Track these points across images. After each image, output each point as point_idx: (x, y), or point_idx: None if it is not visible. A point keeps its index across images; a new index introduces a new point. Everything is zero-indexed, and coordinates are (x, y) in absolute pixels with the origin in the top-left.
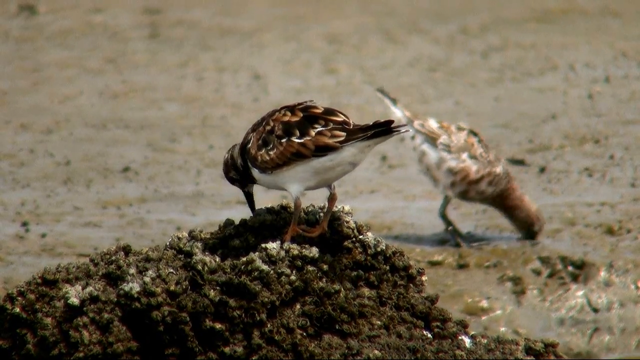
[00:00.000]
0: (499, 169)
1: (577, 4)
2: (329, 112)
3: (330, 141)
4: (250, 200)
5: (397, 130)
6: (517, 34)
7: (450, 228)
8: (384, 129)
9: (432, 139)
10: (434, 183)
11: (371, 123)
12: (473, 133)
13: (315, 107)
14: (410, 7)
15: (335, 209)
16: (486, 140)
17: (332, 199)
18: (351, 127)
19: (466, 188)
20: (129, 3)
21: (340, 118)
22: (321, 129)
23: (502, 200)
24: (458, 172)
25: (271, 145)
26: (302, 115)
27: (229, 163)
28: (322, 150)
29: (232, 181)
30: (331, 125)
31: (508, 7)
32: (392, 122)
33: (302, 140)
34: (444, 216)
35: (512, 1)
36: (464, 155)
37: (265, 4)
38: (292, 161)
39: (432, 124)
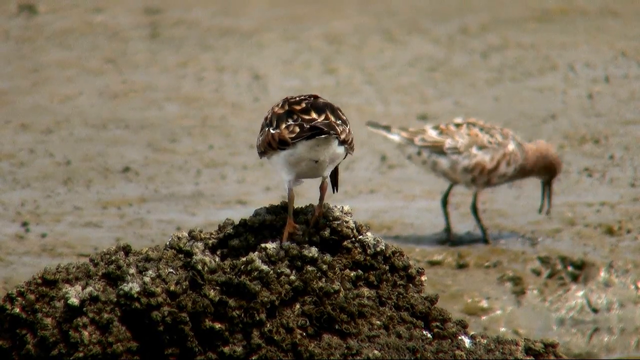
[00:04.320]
0: (510, 147)
1: (577, 4)
2: (306, 110)
3: (287, 136)
4: None
5: (331, 134)
6: (517, 33)
7: (483, 221)
8: (319, 131)
9: (438, 148)
10: (455, 182)
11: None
12: (472, 124)
13: (299, 104)
14: (410, 7)
15: (335, 208)
16: (485, 122)
17: (322, 187)
18: (308, 125)
19: (488, 177)
20: (129, 3)
21: (311, 117)
22: (290, 123)
23: (524, 170)
24: (474, 167)
25: (260, 132)
26: (287, 108)
27: None
28: (282, 144)
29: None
30: (299, 121)
31: (508, 7)
32: (329, 124)
33: (273, 132)
34: (474, 212)
35: (512, 1)
36: (474, 150)
37: (265, 4)
38: (268, 151)
39: (431, 132)
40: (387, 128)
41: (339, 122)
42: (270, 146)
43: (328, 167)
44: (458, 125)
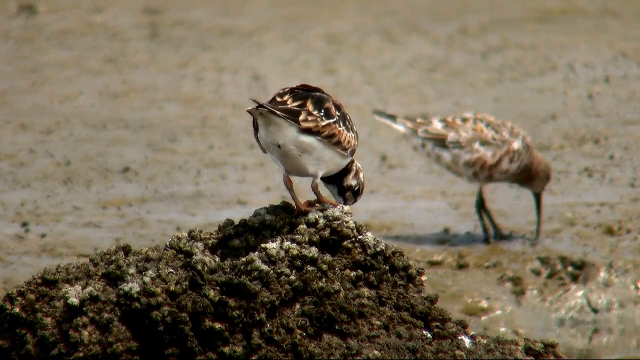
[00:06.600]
0: (516, 145)
1: (576, 4)
2: (281, 95)
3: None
4: None
5: (258, 108)
6: (517, 34)
7: (486, 221)
8: (254, 108)
9: (440, 141)
10: (458, 176)
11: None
12: (479, 119)
13: (283, 91)
14: (410, 7)
15: (335, 208)
16: (497, 119)
17: (313, 186)
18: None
19: (489, 173)
20: (129, 3)
21: (283, 99)
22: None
23: (529, 172)
24: (475, 162)
25: None
26: (271, 98)
27: None
28: (255, 128)
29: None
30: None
31: (507, 7)
32: (260, 105)
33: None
34: (478, 209)
35: (512, 1)
36: (476, 145)
37: (265, 4)
38: (257, 142)
39: (436, 124)
40: (393, 117)
41: (317, 112)
42: (254, 135)
43: (304, 159)
44: (465, 120)
